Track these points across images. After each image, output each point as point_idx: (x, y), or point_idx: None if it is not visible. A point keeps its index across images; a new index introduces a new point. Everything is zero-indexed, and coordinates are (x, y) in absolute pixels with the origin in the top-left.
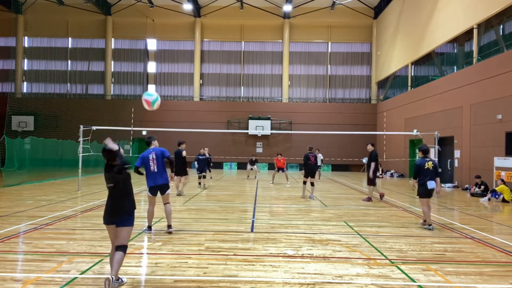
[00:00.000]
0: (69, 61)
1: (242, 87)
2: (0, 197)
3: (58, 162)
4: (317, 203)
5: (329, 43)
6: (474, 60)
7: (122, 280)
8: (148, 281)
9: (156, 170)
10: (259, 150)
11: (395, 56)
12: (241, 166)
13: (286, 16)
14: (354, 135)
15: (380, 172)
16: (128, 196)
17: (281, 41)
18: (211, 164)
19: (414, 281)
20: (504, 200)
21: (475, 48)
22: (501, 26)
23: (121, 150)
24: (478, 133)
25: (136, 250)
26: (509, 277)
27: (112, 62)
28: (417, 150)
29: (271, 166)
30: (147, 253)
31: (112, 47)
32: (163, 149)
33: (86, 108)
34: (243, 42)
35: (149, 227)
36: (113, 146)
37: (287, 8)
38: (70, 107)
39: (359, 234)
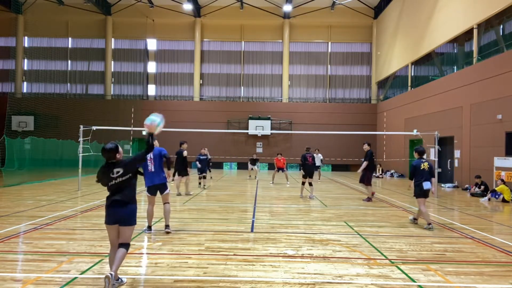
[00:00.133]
0: (69, 61)
1: (242, 87)
2: (0, 197)
3: (58, 162)
4: (317, 203)
5: (329, 43)
6: (474, 60)
7: (122, 280)
8: (148, 281)
9: (153, 170)
10: (259, 150)
11: (395, 56)
12: (241, 166)
13: (286, 16)
14: (354, 135)
15: (380, 172)
16: (132, 195)
17: (281, 41)
18: (211, 164)
19: (414, 281)
20: (504, 200)
21: (475, 48)
22: (501, 26)
23: (120, 150)
24: (478, 133)
25: (136, 250)
26: (509, 277)
27: (112, 62)
28: (413, 151)
29: (271, 166)
30: (147, 253)
31: (112, 47)
32: (161, 148)
33: (86, 108)
34: (243, 42)
35: (149, 227)
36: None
37: (287, 8)
38: (70, 107)
39: (359, 234)
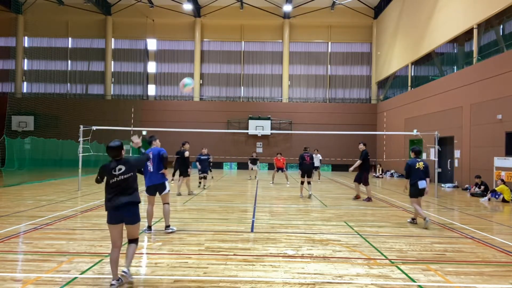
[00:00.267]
0: (69, 61)
1: (242, 87)
2: (0, 197)
3: (58, 162)
4: (317, 203)
5: (329, 43)
6: (474, 60)
7: (122, 280)
8: (148, 281)
9: (152, 170)
10: (259, 150)
11: (395, 56)
12: (241, 166)
13: (286, 16)
14: (354, 135)
15: (380, 172)
16: (136, 193)
17: (281, 41)
18: (211, 164)
19: (414, 281)
20: (504, 200)
21: (475, 48)
22: (501, 26)
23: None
24: (478, 133)
25: (136, 250)
26: (509, 277)
27: (112, 62)
28: (410, 151)
29: (271, 166)
30: (147, 253)
31: (112, 47)
32: (161, 148)
33: (86, 108)
34: (243, 42)
35: (149, 227)
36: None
37: (287, 8)
38: (70, 107)
39: (359, 234)
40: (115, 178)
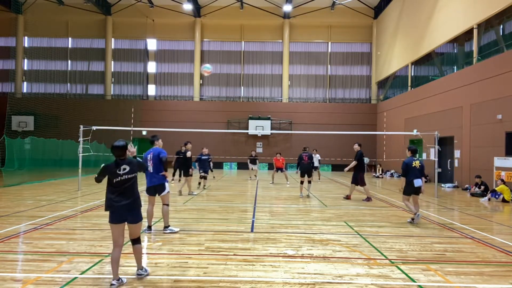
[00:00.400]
0: (69, 61)
1: (242, 87)
2: (0, 197)
3: (58, 162)
4: (317, 203)
5: (329, 43)
6: (474, 60)
7: (122, 280)
8: (148, 281)
9: (152, 170)
10: (259, 150)
11: (395, 56)
12: (241, 166)
13: (286, 16)
14: (354, 135)
15: (380, 172)
16: (137, 192)
17: (281, 41)
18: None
19: (414, 281)
20: (504, 200)
21: (475, 48)
22: (501, 26)
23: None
24: (478, 133)
25: None
26: (509, 277)
27: (112, 62)
28: (407, 150)
29: (271, 166)
30: (147, 253)
31: (112, 47)
32: (161, 149)
33: (86, 108)
34: (243, 42)
35: (149, 227)
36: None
37: (287, 8)
38: (70, 107)
39: (359, 234)
40: (119, 178)
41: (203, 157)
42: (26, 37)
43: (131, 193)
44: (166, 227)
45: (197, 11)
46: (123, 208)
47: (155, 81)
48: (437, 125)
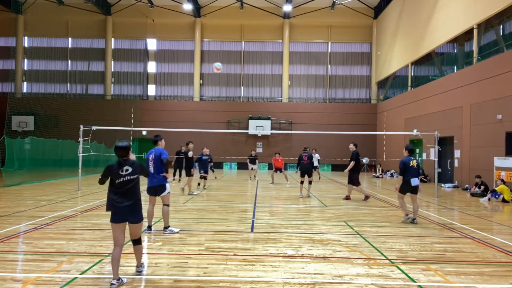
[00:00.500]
0: (69, 61)
1: (242, 87)
2: (0, 197)
3: (58, 162)
4: (317, 203)
5: (329, 43)
6: (474, 60)
7: (122, 280)
8: (148, 281)
9: (153, 171)
10: (259, 150)
11: (395, 56)
12: (241, 166)
13: (286, 16)
14: (354, 135)
15: (380, 172)
16: (139, 194)
17: (281, 41)
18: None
19: (414, 281)
20: (504, 200)
21: (475, 48)
22: (501, 26)
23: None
24: (478, 133)
25: None
26: (509, 277)
27: (112, 62)
28: (404, 149)
29: (271, 166)
30: (147, 253)
31: (112, 47)
32: (162, 150)
33: (86, 108)
34: (243, 42)
35: (149, 227)
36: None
37: (287, 8)
38: (70, 107)
39: (359, 234)
40: (122, 178)
41: (203, 157)
42: (26, 37)
43: (133, 194)
44: (166, 227)
45: (197, 11)
46: (125, 209)
47: (155, 81)
48: (437, 125)
